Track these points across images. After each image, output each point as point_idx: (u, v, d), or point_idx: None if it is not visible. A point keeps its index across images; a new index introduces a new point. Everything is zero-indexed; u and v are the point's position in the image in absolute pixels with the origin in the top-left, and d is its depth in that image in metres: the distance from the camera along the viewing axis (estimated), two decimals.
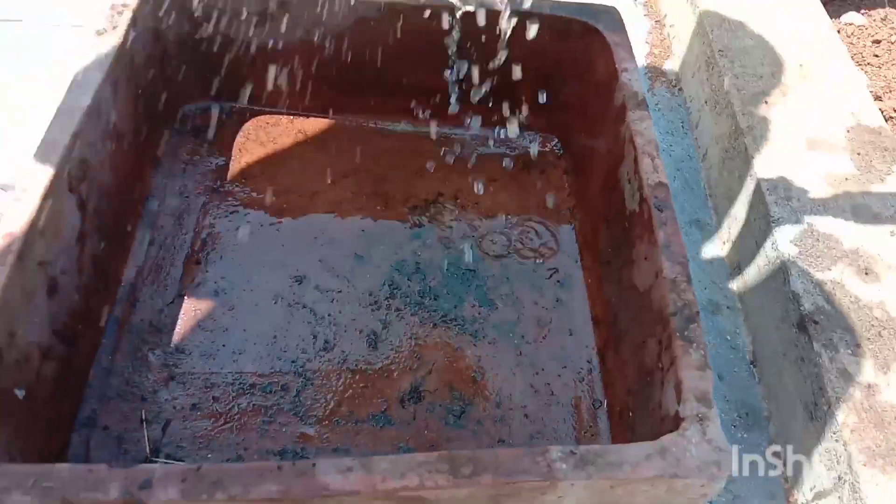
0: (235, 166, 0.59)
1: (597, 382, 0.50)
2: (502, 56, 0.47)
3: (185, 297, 0.51)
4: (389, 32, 0.55)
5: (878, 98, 0.88)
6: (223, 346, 0.49)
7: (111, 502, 0.31)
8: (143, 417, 0.45)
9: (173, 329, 0.49)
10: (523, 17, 0.55)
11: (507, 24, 0.46)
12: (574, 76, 0.58)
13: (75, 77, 0.47)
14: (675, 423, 0.36)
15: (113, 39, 0.49)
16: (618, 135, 0.51)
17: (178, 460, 0.43)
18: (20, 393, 0.39)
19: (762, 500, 0.51)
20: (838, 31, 0.94)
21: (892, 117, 0.86)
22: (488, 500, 0.35)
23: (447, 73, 0.53)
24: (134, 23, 0.51)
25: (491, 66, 0.49)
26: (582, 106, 0.59)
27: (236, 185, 0.58)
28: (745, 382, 0.57)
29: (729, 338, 0.60)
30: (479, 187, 0.60)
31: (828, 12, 0.94)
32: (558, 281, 0.55)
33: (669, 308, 0.40)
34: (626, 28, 0.56)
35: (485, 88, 0.51)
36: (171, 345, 0.48)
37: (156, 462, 0.43)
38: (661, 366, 0.40)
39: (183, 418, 0.45)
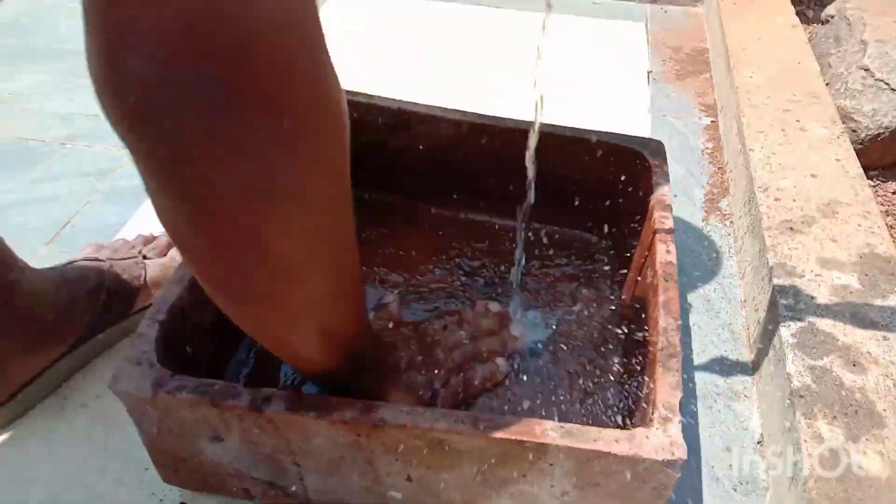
0: None
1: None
2: (531, 171, 0.62)
3: None
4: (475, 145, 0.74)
5: None
6: None
7: (241, 406, 0.47)
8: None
9: None
10: (589, 143, 0.73)
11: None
12: (623, 190, 0.74)
13: None
14: (648, 424, 0.48)
15: None
16: (647, 230, 0.66)
17: None
18: (189, 350, 0.56)
19: None
20: (894, 192, 1.05)
21: None
22: (499, 457, 0.47)
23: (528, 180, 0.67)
24: None
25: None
26: (628, 213, 0.74)
27: None
28: (750, 457, 0.66)
29: (742, 420, 0.69)
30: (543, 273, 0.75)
31: (884, 175, 1.06)
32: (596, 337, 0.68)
33: (658, 346, 0.52)
34: (667, 157, 0.72)
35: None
36: None
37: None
38: (649, 388, 0.52)
39: None
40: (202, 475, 0.55)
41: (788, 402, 0.61)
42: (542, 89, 0.54)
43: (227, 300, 0.38)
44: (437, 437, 0.46)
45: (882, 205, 1.01)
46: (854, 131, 1.02)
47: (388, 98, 0.75)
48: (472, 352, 0.63)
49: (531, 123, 0.63)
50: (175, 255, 0.78)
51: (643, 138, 0.73)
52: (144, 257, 0.76)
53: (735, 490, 0.64)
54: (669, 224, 0.63)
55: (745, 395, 0.72)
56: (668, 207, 0.65)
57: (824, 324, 0.66)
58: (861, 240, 0.76)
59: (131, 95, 0.28)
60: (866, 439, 0.57)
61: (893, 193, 1.05)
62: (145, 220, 0.89)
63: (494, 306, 0.68)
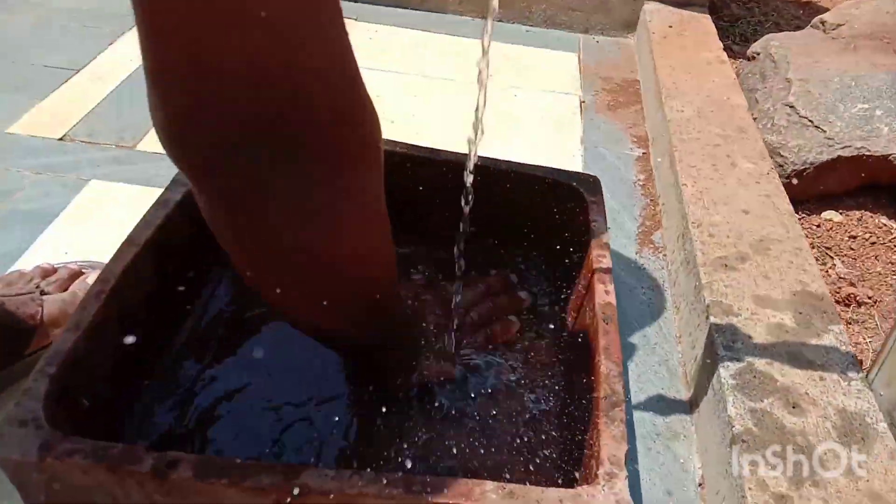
0: None
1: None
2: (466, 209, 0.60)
3: None
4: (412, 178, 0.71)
5: (852, 284, 0.99)
6: None
7: (142, 472, 0.41)
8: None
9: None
10: (526, 177, 0.70)
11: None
12: (560, 227, 0.72)
13: None
14: (593, 481, 0.45)
15: None
16: (585, 269, 0.64)
17: None
18: (85, 402, 0.50)
19: None
20: (818, 225, 1.08)
21: (864, 302, 0.97)
22: None
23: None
24: None
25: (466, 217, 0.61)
26: (565, 250, 0.71)
27: None
28: (692, 500, 0.64)
29: (682, 461, 0.68)
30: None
31: (808, 209, 1.09)
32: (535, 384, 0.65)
33: (601, 394, 0.50)
34: (604, 193, 0.70)
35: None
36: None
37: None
38: (592, 440, 0.49)
39: None
40: None
41: (730, 447, 0.59)
42: (481, 115, 0.51)
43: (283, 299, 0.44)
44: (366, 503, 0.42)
45: (807, 237, 1.03)
46: (781, 166, 1.04)
47: None
48: (489, 310, 0.68)
49: (465, 156, 0.60)
50: (78, 289, 0.71)
51: (580, 174, 0.71)
52: (42, 292, 0.69)
53: None
54: (607, 263, 0.61)
55: (684, 435, 0.70)
56: (606, 246, 0.63)
57: (762, 364, 0.65)
58: (793, 276, 0.76)
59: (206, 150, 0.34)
60: (809, 485, 0.55)
61: (818, 226, 1.07)
62: (48, 249, 0.81)
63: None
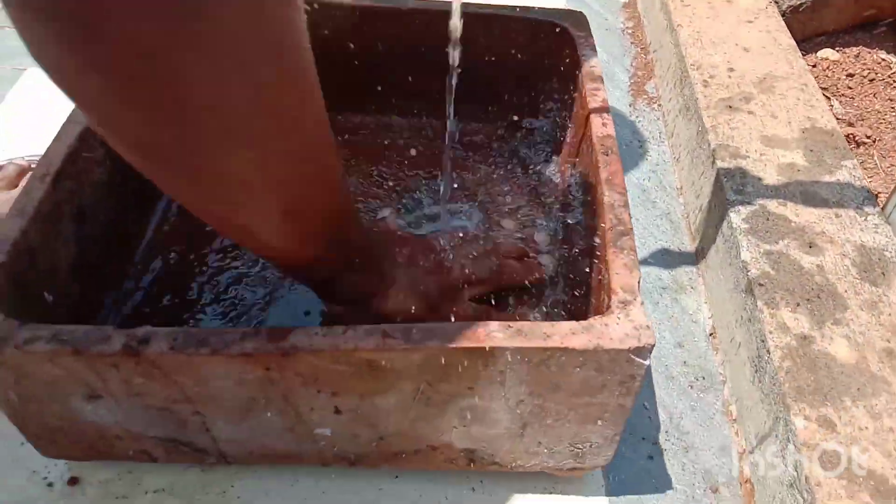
0: None
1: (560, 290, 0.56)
2: (456, 57, 0.51)
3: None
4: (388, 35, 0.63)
5: (850, 124, 0.95)
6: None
7: (113, 352, 0.37)
8: None
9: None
10: (500, 19, 0.63)
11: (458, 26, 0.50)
12: (548, 69, 0.65)
13: None
14: (606, 311, 0.41)
15: None
16: (580, 104, 0.58)
17: None
18: (48, 297, 0.45)
19: (714, 451, 0.56)
20: (814, 66, 1.02)
21: (864, 142, 0.93)
22: (439, 371, 0.39)
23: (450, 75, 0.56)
24: None
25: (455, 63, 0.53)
26: (556, 92, 0.65)
27: None
28: (703, 351, 0.62)
29: (691, 313, 0.65)
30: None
31: (804, 48, 1.02)
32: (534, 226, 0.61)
33: (607, 225, 0.45)
34: (591, 27, 0.63)
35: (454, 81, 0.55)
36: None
37: None
38: (601, 273, 0.46)
39: None
40: (87, 442, 0.45)
41: (746, 291, 0.56)
42: None
43: (173, 173, 0.31)
44: (363, 359, 0.38)
45: (825, 83, 0.97)
46: (776, 2, 0.97)
47: None
48: (517, 247, 0.57)
49: (446, 3, 0.53)
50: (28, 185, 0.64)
51: (564, 10, 0.64)
52: None
53: (691, 387, 0.60)
54: (602, 96, 0.55)
55: (692, 287, 0.67)
56: (599, 79, 0.57)
57: (774, 205, 0.62)
58: (801, 114, 0.71)
59: None
60: (831, 324, 0.53)
61: (814, 66, 1.01)
62: None
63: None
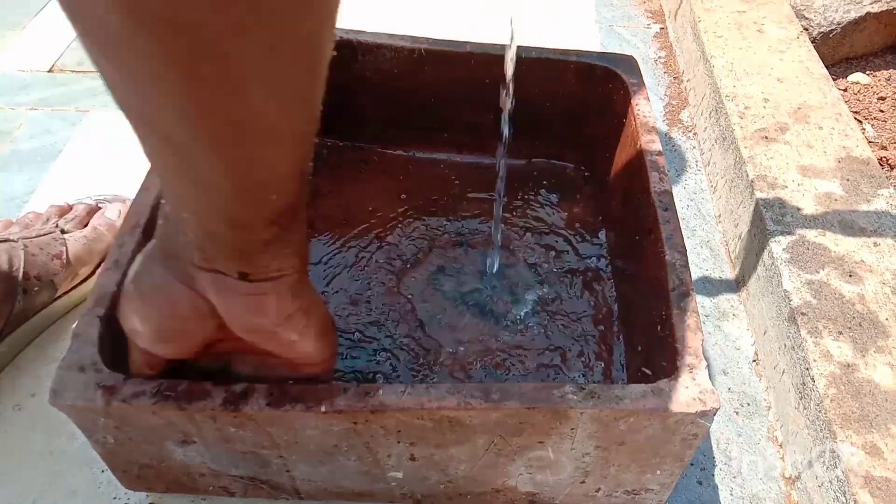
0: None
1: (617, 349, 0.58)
2: (509, 101, 0.53)
3: None
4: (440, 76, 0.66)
5: (883, 147, 0.96)
6: None
7: (215, 408, 0.40)
8: None
9: None
10: (554, 63, 0.66)
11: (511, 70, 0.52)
12: (598, 113, 0.68)
13: None
14: (673, 373, 0.44)
15: None
16: (632, 155, 0.61)
17: None
18: None
19: (761, 477, 0.57)
20: (845, 90, 1.04)
21: None
22: (514, 427, 0.42)
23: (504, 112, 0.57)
24: None
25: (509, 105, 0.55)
26: (605, 137, 0.68)
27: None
28: (747, 377, 0.64)
29: (734, 339, 0.67)
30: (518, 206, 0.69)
31: (835, 73, 1.04)
32: (585, 280, 0.63)
33: (669, 285, 0.48)
34: (642, 73, 0.66)
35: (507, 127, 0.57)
36: None
37: None
38: (663, 333, 0.48)
39: None
40: (171, 478, 0.48)
41: (789, 319, 0.58)
42: (517, 3, 0.46)
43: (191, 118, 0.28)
44: (445, 416, 0.41)
45: (857, 107, 0.99)
46: (806, 29, 0.99)
47: None
48: None
49: (501, 47, 0.56)
50: (98, 224, 0.69)
51: (615, 55, 0.66)
52: (63, 231, 0.66)
53: (737, 413, 0.61)
54: (658, 147, 0.57)
55: (734, 314, 0.69)
56: (654, 130, 0.59)
57: (813, 235, 0.64)
58: (836, 143, 0.73)
59: None
60: (874, 352, 0.55)
61: (845, 90, 1.03)
62: (57, 186, 0.78)
63: None
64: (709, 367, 0.64)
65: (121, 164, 0.79)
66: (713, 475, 0.57)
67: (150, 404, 0.40)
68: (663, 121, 0.91)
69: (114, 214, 0.70)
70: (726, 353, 0.66)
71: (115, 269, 0.45)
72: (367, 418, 0.41)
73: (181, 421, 0.41)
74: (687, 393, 0.41)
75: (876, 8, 1.00)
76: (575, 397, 0.41)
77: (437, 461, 0.45)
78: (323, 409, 0.40)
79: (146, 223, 0.48)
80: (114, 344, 0.43)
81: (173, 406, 0.40)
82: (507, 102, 0.53)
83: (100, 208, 0.73)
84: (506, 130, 0.55)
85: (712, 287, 0.72)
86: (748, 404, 0.62)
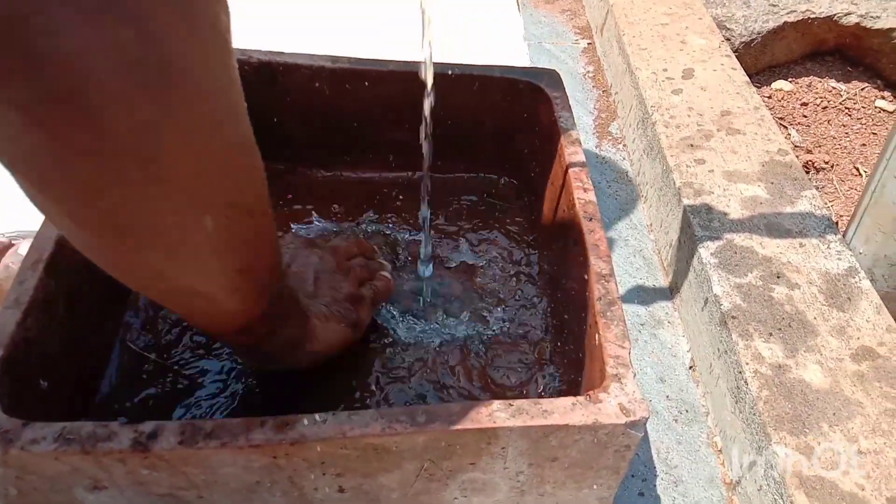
0: None
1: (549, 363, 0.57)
2: (428, 116, 0.53)
3: None
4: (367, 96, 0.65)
5: (808, 151, 0.99)
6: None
7: (121, 449, 0.38)
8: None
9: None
10: (478, 79, 0.66)
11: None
12: (523, 127, 0.68)
13: None
14: (601, 384, 0.43)
15: None
16: (558, 167, 0.60)
17: None
18: (44, 384, 0.45)
19: (702, 484, 0.57)
20: (769, 97, 1.07)
21: (822, 168, 0.97)
22: (443, 450, 0.41)
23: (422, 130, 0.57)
24: None
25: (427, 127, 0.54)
26: (532, 150, 0.68)
27: None
28: (685, 384, 0.64)
29: (670, 347, 0.67)
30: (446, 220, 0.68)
31: (759, 81, 1.07)
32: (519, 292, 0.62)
33: (595, 295, 0.47)
34: (571, 88, 0.66)
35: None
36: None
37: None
38: (591, 343, 0.47)
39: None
40: None
41: (721, 324, 0.58)
42: (428, 17, 0.46)
43: (118, 250, 0.31)
44: (370, 444, 0.39)
45: (781, 113, 1.01)
46: (728, 39, 1.01)
47: (244, 50, 0.64)
48: (366, 267, 0.57)
49: (416, 64, 0.55)
50: (10, 262, 0.65)
51: (538, 69, 0.67)
52: None
53: (676, 421, 0.61)
54: (581, 159, 0.57)
55: (669, 322, 0.69)
56: (577, 142, 0.59)
57: (741, 239, 0.64)
58: (760, 147, 0.74)
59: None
60: (804, 351, 0.55)
61: (769, 97, 1.06)
62: None
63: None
64: (646, 375, 0.64)
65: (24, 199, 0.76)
66: (655, 485, 0.57)
67: (51, 450, 0.37)
68: (594, 133, 0.92)
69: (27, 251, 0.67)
70: (663, 360, 0.66)
71: (14, 308, 0.43)
72: (287, 451, 0.39)
73: (88, 466, 0.38)
74: (614, 402, 0.41)
75: (792, 17, 1.03)
76: (503, 414, 0.40)
77: (366, 491, 0.43)
78: (239, 443, 0.38)
79: (49, 258, 0.46)
80: (13, 384, 0.40)
81: (77, 451, 0.37)
82: (426, 104, 0.52)
83: (13, 244, 0.69)
84: (426, 143, 0.54)
85: (647, 295, 0.72)
86: (687, 411, 0.62)
